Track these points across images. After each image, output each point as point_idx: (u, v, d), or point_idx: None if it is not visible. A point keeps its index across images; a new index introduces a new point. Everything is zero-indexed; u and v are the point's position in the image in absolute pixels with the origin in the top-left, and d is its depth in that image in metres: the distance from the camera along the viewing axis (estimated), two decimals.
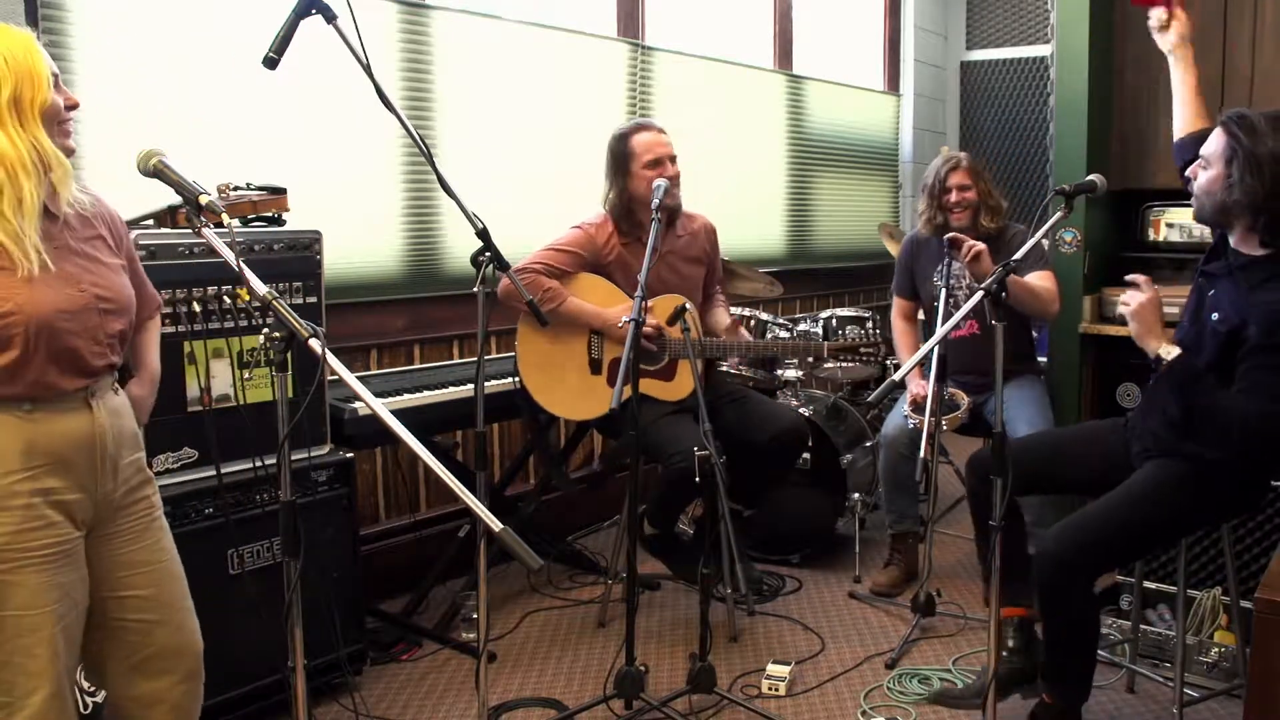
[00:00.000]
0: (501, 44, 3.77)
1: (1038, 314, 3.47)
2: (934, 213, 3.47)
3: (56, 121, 1.67)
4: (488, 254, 2.20)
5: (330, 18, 1.97)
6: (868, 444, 3.89)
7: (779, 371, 3.93)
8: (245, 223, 2.58)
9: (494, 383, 3.10)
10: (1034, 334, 3.73)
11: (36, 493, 1.64)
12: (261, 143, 3.08)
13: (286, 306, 1.66)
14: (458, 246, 3.64)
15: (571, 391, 3.08)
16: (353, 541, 2.80)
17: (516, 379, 3.06)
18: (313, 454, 2.65)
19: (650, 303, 2.99)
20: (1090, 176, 2.50)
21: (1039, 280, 3.32)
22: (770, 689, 2.82)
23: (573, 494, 3.75)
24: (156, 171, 1.77)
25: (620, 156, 3.08)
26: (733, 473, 2.88)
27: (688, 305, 2.86)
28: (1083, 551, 2.23)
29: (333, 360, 1.64)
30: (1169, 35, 2.59)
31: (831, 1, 5.82)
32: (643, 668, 2.60)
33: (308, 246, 2.66)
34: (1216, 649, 2.76)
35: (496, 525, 1.47)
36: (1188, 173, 2.34)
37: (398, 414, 1.62)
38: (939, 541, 3.98)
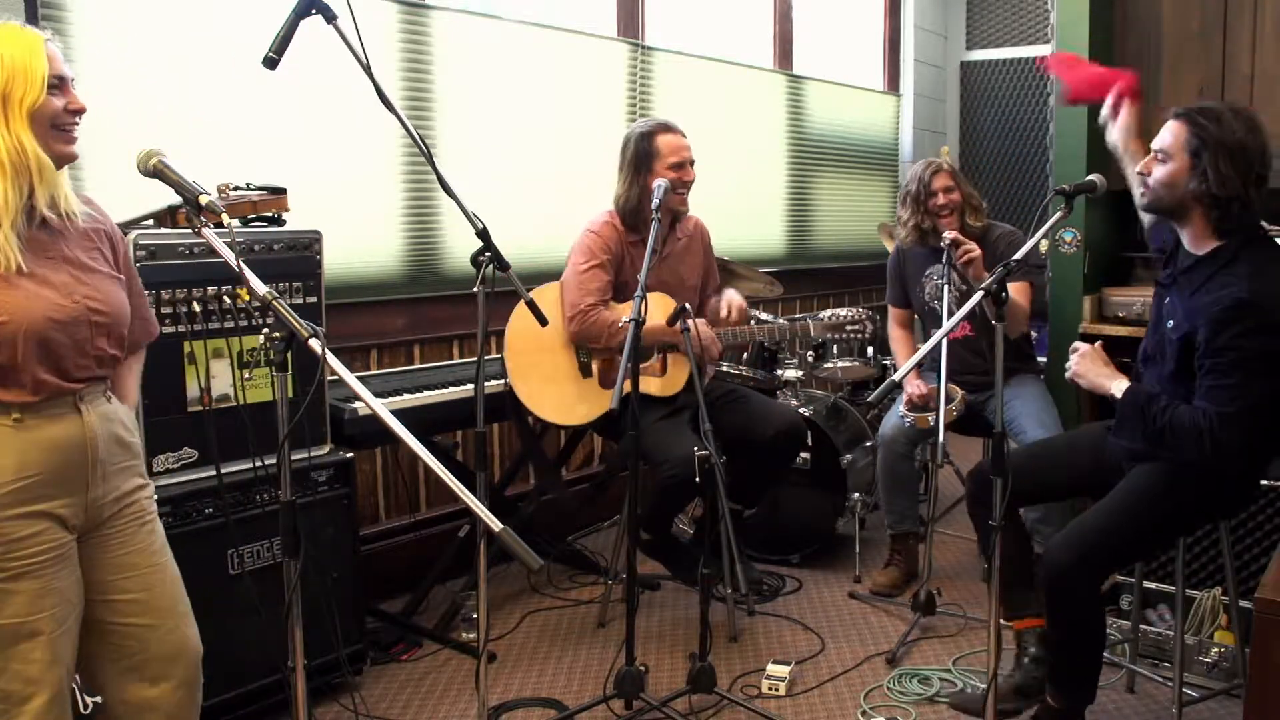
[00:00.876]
0: (501, 44, 3.77)
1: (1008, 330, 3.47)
2: (921, 218, 3.45)
3: (53, 125, 1.66)
4: (488, 254, 2.20)
5: (330, 18, 1.97)
6: (868, 444, 3.89)
7: (779, 371, 3.94)
8: (245, 223, 2.58)
9: (494, 383, 3.10)
10: (1033, 334, 3.73)
11: (29, 501, 1.64)
12: (261, 143, 3.08)
13: (286, 306, 1.66)
14: (458, 246, 3.64)
15: (566, 398, 3.08)
16: (353, 541, 2.80)
17: (506, 382, 3.05)
18: (313, 454, 2.65)
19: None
20: (1090, 176, 2.49)
21: (1015, 293, 3.29)
22: (770, 689, 2.82)
23: (571, 502, 3.75)
24: (156, 171, 1.77)
25: (643, 155, 3.08)
26: (732, 471, 2.88)
27: (687, 306, 2.87)
28: (1087, 556, 2.23)
29: (333, 360, 1.64)
30: (1114, 129, 2.56)
31: (831, 1, 5.82)
32: (643, 668, 2.61)
33: (308, 246, 2.66)
34: (1216, 649, 2.76)
35: (496, 525, 1.47)
36: (1139, 168, 2.34)
37: (398, 414, 1.62)
38: (939, 541, 3.98)
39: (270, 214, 2.62)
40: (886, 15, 6.20)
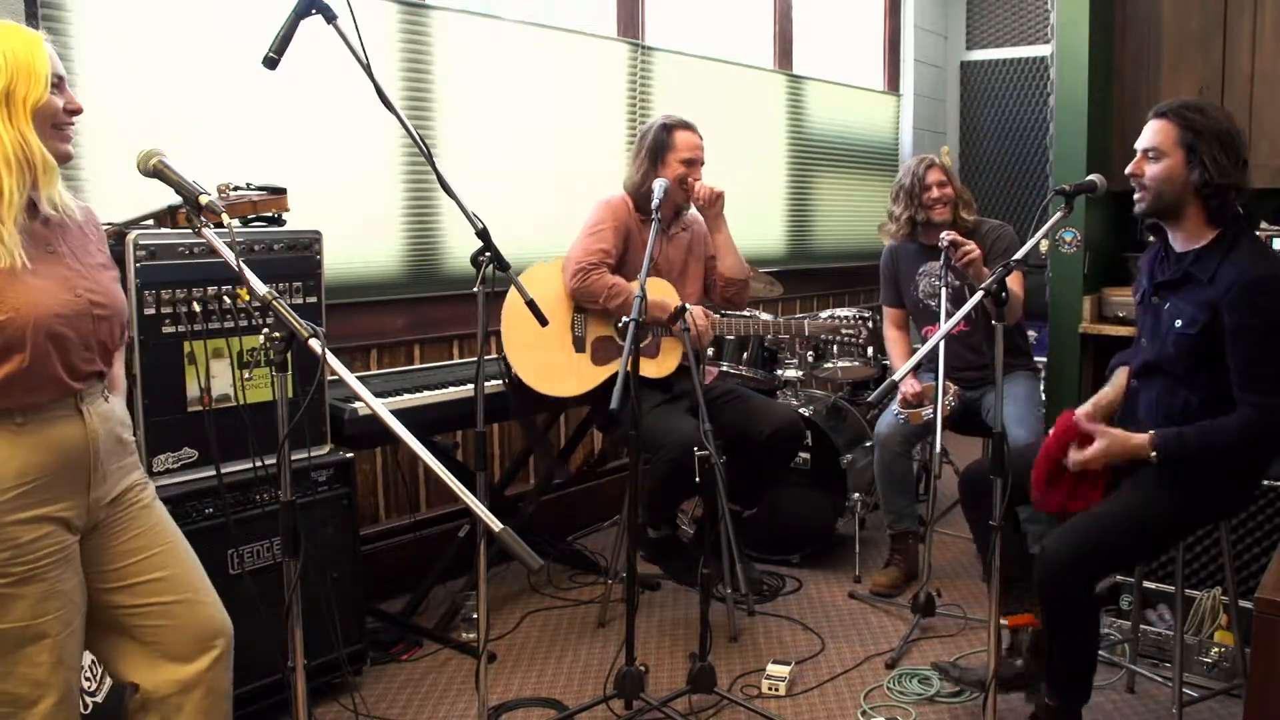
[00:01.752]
0: (501, 44, 3.77)
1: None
2: (915, 211, 3.51)
3: (52, 124, 1.66)
4: (488, 254, 2.20)
5: (330, 18, 1.97)
6: (867, 444, 3.89)
7: (779, 371, 3.94)
8: (245, 223, 2.58)
9: (494, 383, 3.10)
10: (1031, 332, 3.73)
11: (32, 505, 1.64)
12: (261, 143, 3.07)
13: (286, 306, 1.66)
14: (458, 246, 3.64)
15: (557, 369, 3.12)
16: (353, 541, 2.80)
17: (502, 357, 3.09)
18: (313, 454, 2.65)
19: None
20: (1090, 176, 2.50)
21: (1011, 283, 3.31)
22: (770, 689, 2.82)
23: (573, 493, 3.75)
24: (156, 171, 1.77)
25: (660, 145, 3.19)
26: (731, 471, 2.88)
27: (687, 306, 2.89)
28: (1082, 556, 2.23)
29: (333, 360, 1.64)
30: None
31: (831, 1, 5.82)
32: (643, 668, 2.60)
33: (308, 246, 2.66)
34: (1216, 649, 2.76)
35: (496, 525, 1.47)
36: (1129, 170, 2.35)
37: (397, 414, 1.62)
38: (939, 541, 3.98)
39: (270, 214, 2.62)
40: (886, 15, 6.20)
